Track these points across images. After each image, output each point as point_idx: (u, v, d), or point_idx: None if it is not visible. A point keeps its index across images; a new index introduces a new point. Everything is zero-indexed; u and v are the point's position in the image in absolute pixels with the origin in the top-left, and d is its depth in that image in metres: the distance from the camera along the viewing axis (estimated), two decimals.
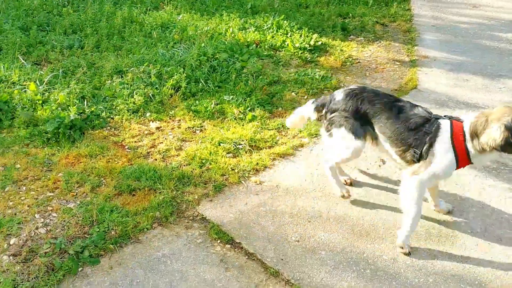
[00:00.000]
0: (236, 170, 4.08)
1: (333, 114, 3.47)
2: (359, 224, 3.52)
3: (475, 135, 3.05)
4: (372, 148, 3.56)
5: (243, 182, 3.96)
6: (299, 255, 3.24)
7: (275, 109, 5.12)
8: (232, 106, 5.05)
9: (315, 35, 6.93)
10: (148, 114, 4.93)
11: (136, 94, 5.13)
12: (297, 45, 6.61)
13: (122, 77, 5.50)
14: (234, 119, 4.87)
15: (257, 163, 4.17)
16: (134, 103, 5.02)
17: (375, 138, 3.44)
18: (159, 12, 7.80)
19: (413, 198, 3.20)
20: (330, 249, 3.30)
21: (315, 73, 5.88)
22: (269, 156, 4.28)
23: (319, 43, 6.78)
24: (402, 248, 3.27)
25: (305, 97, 5.40)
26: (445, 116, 3.25)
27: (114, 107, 5.00)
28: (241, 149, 4.37)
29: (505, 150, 3.00)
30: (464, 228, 3.48)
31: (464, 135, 3.08)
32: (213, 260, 3.19)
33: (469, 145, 3.08)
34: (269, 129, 4.72)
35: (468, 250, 3.29)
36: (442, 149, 3.11)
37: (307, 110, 3.76)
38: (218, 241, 3.35)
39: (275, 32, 7.07)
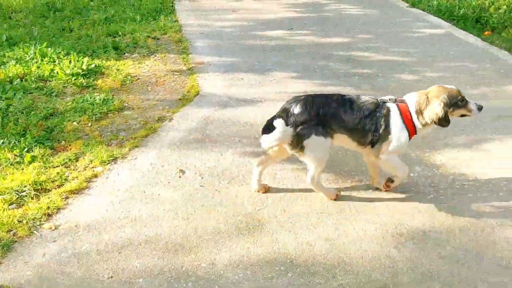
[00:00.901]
0: (24, 221, 3.58)
1: (301, 127, 3.54)
2: (172, 240, 3.44)
3: (419, 111, 3.61)
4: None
5: (35, 232, 3.50)
6: None
7: (57, 144, 4.67)
8: (4, 150, 4.42)
9: (86, 59, 6.56)
10: None
11: None
12: (68, 71, 6.16)
13: None
14: (11, 164, 4.28)
15: (48, 207, 3.73)
16: None
17: (332, 135, 3.67)
18: None
19: (397, 163, 3.72)
20: (148, 274, 3.14)
21: (94, 98, 5.57)
22: (61, 196, 3.87)
23: (93, 66, 6.45)
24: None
25: (89, 124, 5.07)
26: (389, 99, 3.69)
27: None
28: (26, 196, 3.86)
29: (441, 124, 3.59)
30: (268, 214, 3.70)
31: (411, 113, 3.61)
32: None
33: (416, 121, 3.62)
34: (54, 167, 4.27)
35: (275, 233, 3.50)
36: (397, 128, 3.60)
37: (281, 133, 3.57)
38: None
39: (40, 61, 6.47)
